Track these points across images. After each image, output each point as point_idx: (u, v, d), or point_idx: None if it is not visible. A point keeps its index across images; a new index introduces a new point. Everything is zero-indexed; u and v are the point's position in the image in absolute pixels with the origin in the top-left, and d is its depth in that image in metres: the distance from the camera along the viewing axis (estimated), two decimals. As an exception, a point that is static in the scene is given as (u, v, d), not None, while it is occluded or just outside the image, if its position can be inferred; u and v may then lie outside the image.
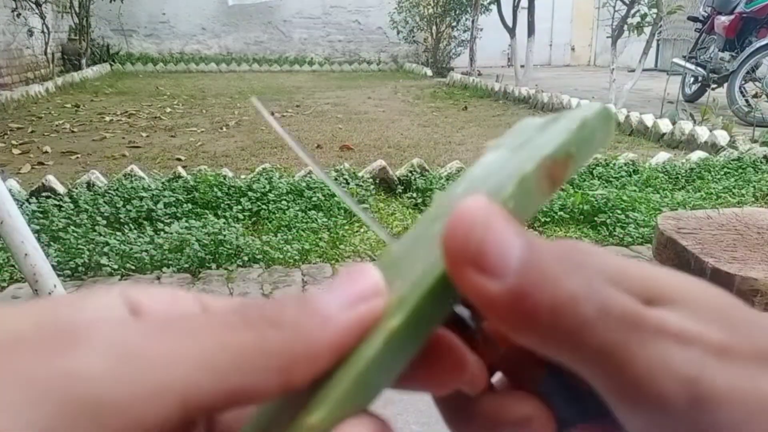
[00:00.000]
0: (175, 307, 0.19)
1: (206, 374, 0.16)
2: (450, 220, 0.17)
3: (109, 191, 2.77)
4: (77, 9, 8.83)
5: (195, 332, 0.16)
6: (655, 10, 5.89)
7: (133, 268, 2.25)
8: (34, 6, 7.60)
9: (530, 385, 0.22)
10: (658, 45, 11.71)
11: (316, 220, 2.66)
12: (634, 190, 3.12)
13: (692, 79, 6.91)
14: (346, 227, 2.66)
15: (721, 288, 0.19)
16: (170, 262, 2.28)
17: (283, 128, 0.26)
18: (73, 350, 0.15)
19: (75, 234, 2.40)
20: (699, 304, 0.18)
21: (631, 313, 0.17)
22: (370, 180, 3.10)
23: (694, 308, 0.18)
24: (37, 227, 2.40)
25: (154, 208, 2.66)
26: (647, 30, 6.01)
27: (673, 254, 2.26)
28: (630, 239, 2.62)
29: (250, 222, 2.69)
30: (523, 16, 7.88)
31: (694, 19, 7.29)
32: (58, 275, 1.78)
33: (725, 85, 5.91)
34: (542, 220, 2.79)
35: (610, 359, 0.17)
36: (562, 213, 2.81)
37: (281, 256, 2.35)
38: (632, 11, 6.00)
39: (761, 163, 3.55)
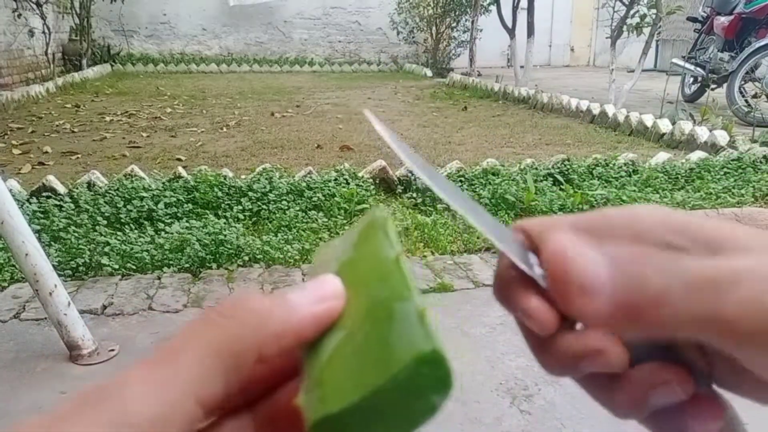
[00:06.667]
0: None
1: (205, 377, 0.20)
2: (548, 259, 0.23)
3: (110, 191, 2.77)
4: (78, 9, 8.84)
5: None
6: (654, 11, 5.90)
7: (133, 267, 2.26)
8: (34, 6, 7.61)
9: None
10: (657, 45, 11.72)
11: (317, 220, 2.66)
12: (634, 190, 3.13)
13: (692, 79, 6.92)
14: (347, 227, 2.67)
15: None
16: (171, 262, 2.29)
17: (398, 142, 0.26)
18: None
19: (75, 234, 2.41)
20: (756, 243, 0.21)
21: (707, 274, 0.20)
22: (370, 180, 3.10)
23: (757, 249, 0.21)
24: (38, 227, 2.40)
25: (154, 208, 2.66)
26: (646, 30, 6.02)
27: (672, 254, 2.26)
28: (629, 239, 2.62)
29: (250, 222, 2.70)
30: (522, 16, 7.89)
31: (694, 20, 7.30)
32: (59, 275, 1.79)
33: (725, 85, 5.92)
34: (542, 220, 2.79)
35: (709, 322, 0.20)
36: (561, 213, 2.81)
37: (281, 256, 2.36)
38: (631, 12, 6.01)
39: (761, 163, 3.55)
